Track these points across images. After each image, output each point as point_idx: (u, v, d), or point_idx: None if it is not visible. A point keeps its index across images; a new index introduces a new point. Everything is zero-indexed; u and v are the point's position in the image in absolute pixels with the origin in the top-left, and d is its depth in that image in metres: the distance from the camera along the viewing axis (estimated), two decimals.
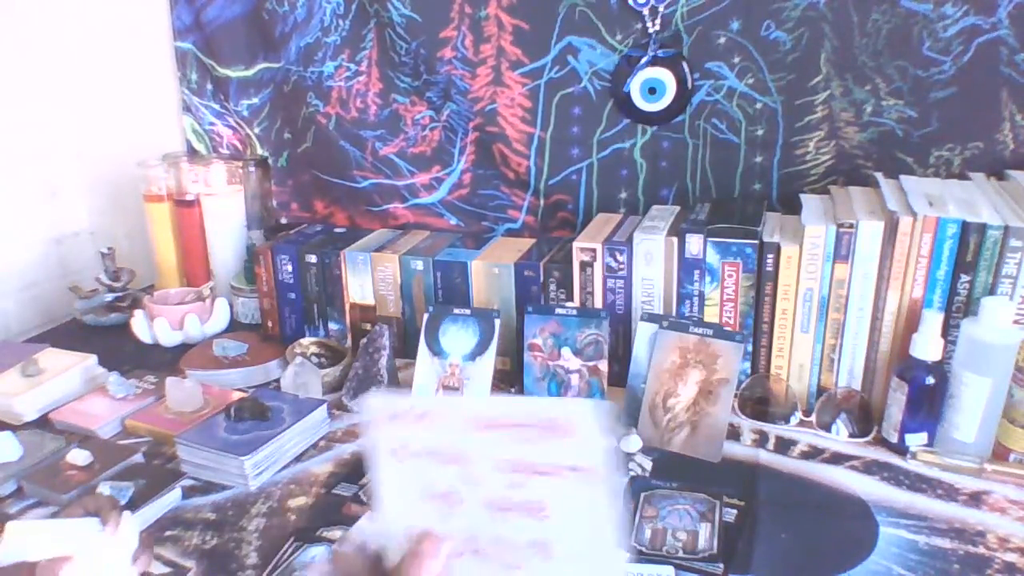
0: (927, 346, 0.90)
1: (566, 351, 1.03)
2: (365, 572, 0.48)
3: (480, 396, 0.53)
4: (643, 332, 1.02)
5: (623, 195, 1.26)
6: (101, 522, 0.65)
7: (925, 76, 1.08)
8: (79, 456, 0.92)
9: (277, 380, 1.14)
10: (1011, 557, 0.77)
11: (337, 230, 1.34)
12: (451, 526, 0.47)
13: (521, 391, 1.06)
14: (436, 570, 0.45)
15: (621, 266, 1.06)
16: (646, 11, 1.15)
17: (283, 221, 1.45)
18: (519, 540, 0.46)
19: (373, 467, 0.48)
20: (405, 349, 1.19)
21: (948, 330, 0.93)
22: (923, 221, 0.92)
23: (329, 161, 1.39)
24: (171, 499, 0.88)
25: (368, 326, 1.18)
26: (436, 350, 1.07)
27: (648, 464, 0.93)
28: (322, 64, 1.32)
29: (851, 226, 0.96)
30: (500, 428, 0.45)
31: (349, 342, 1.23)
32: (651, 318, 1.03)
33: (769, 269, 1.00)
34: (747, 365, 1.05)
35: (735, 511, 0.84)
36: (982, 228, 0.90)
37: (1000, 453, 0.90)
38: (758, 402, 1.03)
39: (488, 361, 1.05)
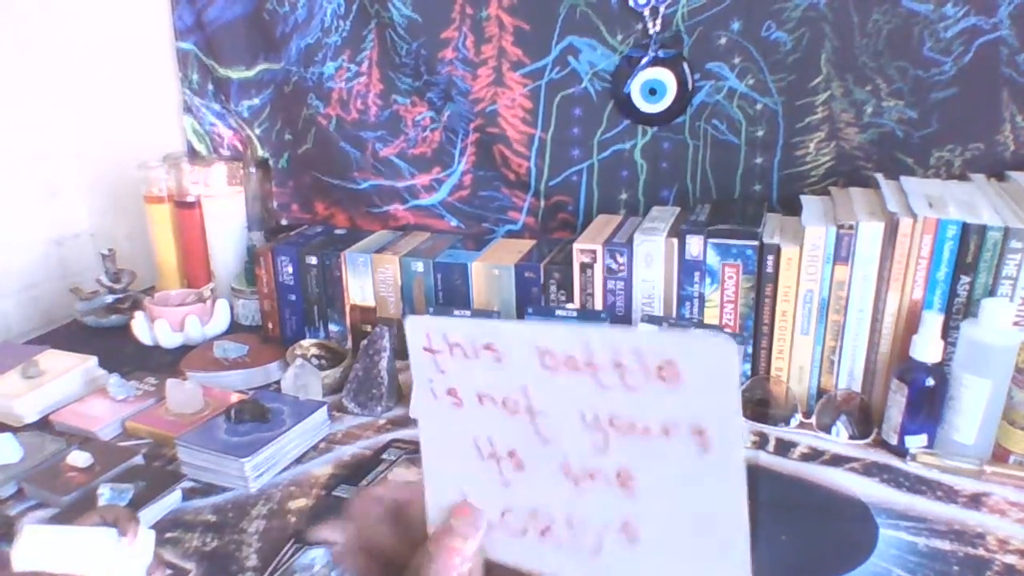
0: (927, 348, 0.90)
1: None
2: (382, 527, 0.41)
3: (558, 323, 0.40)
4: None
5: (623, 196, 1.26)
6: (119, 532, 0.64)
7: (926, 77, 1.08)
8: (79, 458, 0.92)
9: (277, 382, 1.14)
10: (1011, 559, 0.77)
11: (337, 231, 1.35)
12: (511, 496, 0.37)
13: None
14: (468, 552, 0.37)
15: (621, 267, 1.06)
16: (647, 12, 1.15)
17: (284, 222, 1.45)
18: (598, 518, 0.35)
19: (417, 408, 0.39)
20: (405, 351, 1.19)
21: (948, 332, 0.93)
22: (923, 222, 0.92)
23: (329, 162, 1.39)
24: (171, 501, 0.88)
25: (368, 328, 1.18)
26: None
27: None
28: (323, 65, 1.32)
29: (851, 227, 0.96)
30: (588, 368, 0.33)
31: (349, 344, 1.24)
32: (651, 320, 1.03)
33: (769, 271, 1.00)
34: (747, 367, 1.05)
35: None
36: (982, 229, 0.90)
37: (1000, 455, 0.90)
38: (758, 404, 1.03)
39: None
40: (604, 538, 0.35)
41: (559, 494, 0.35)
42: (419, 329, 0.38)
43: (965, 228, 0.91)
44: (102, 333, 1.35)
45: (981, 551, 0.78)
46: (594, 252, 1.07)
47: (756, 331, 1.03)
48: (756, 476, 0.91)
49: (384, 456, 0.96)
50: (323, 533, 0.41)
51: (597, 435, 0.34)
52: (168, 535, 0.83)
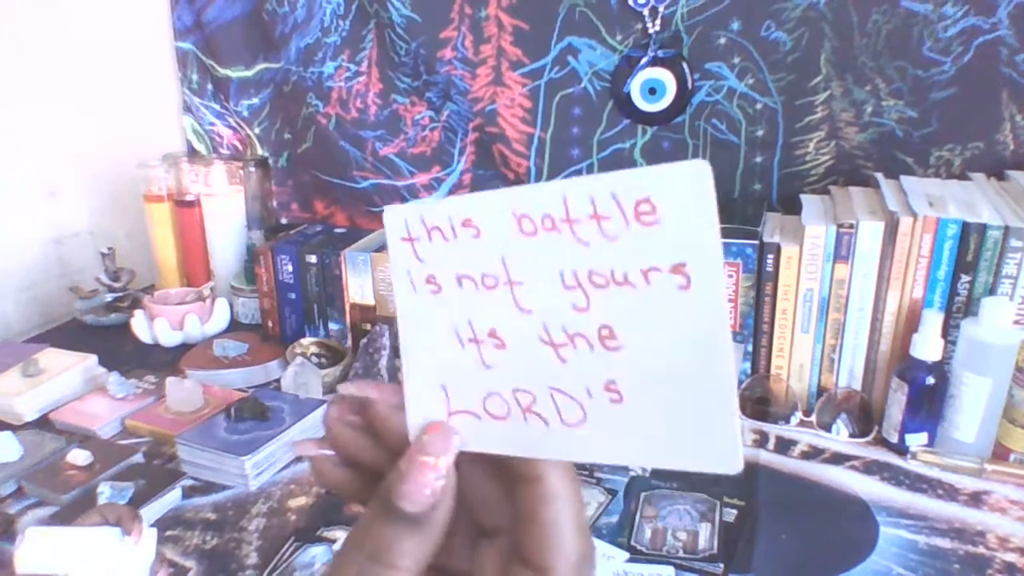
0: (927, 346, 0.90)
1: None
2: (359, 438, 0.39)
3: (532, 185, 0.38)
4: None
5: None
6: (123, 531, 0.64)
7: (925, 76, 1.08)
8: (79, 456, 0.92)
9: (277, 380, 1.14)
10: (1011, 557, 0.77)
11: (337, 230, 1.34)
12: (494, 378, 0.36)
13: None
14: (441, 469, 0.35)
15: None
16: (646, 11, 1.15)
17: (283, 221, 1.45)
18: (581, 384, 0.34)
19: (397, 307, 0.38)
20: None
21: (948, 330, 0.93)
22: (923, 221, 0.93)
23: (329, 161, 1.39)
24: (171, 499, 0.88)
25: (368, 326, 1.18)
26: None
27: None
28: (322, 64, 1.32)
29: (851, 226, 0.96)
30: (565, 224, 0.32)
31: (349, 342, 1.23)
32: None
33: (769, 269, 1.00)
34: (747, 365, 1.05)
35: (735, 511, 0.84)
36: (982, 228, 0.90)
37: (1000, 453, 0.90)
38: (758, 402, 1.03)
39: None
40: (588, 404, 0.33)
41: (541, 366, 0.34)
42: (397, 218, 0.36)
43: (965, 227, 0.91)
44: (102, 332, 1.35)
45: (981, 549, 0.78)
46: None
47: (756, 330, 1.03)
48: (757, 474, 0.91)
49: None
50: (302, 448, 0.39)
51: (577, 294, 0.33)
52: (168, 533, 0.83)
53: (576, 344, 0.33)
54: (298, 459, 0.95)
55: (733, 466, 0.30)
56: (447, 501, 0.35)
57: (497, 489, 0.37)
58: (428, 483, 0.34)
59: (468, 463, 0.36)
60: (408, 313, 0.37)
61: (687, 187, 0.30)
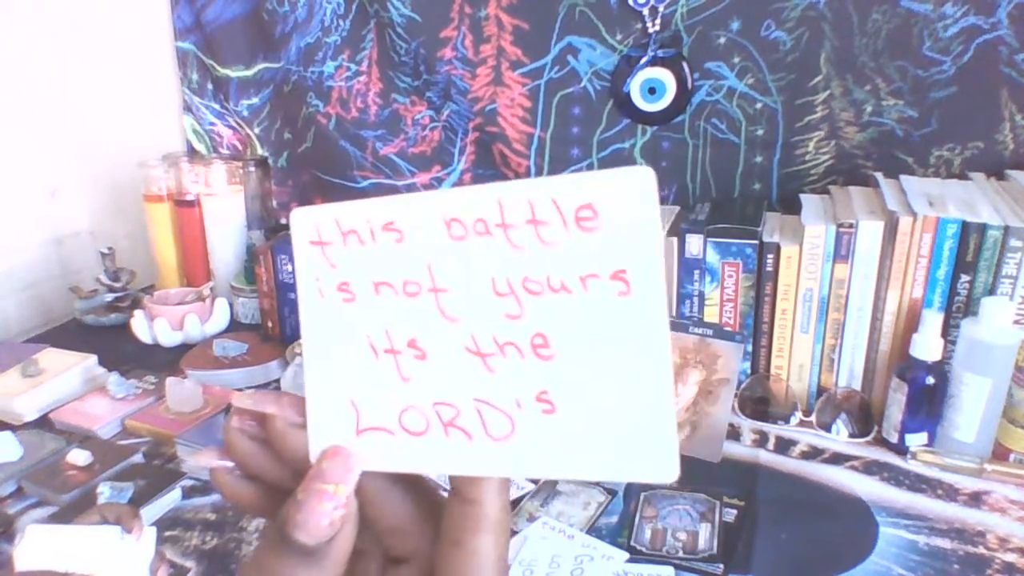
0: (927, 346, 0.90)
1: None
2: (257, 452, 0.36)
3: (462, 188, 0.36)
4: None
5: None
6: (123, 530, 0.64)
7: (925, 76, 1.08)
8: (79, 456, 0.92)
9: (277, 380, 1.14)
10: (1011, 557, 0.77)
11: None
12: (412, 391, 0.33)
13: None
14: (340, 498, 0.32)
15: None
16: (646, 11, 1.15)
17: (283, 221, 1.45)
18: (510, 395, 0.32)
19: (301, 315, 0.35)
20: None
21: (948, 330, 0.93)
22: (923, 221, 0.92)
23: (329, 161, 1.39)
24: (171, 499, 0.88)
25: None
26: None
27: None
28: (322, 64, 1.32)
29: (851, 226, 0.96)
30: (499, 229, 0.31)
31: None
32: None
33: (769, 269, 1.00)
34: (747, 365, 1.05)
35: (735, 511, 0.84)
36: (982, 228, 0.90)
37: (1000, 453, 0.90)
38: (758, 402, 1.03)
39: None
40: (516, 415, 0.32)
41: (467, 377, 0.32)
42: (307, 221, 0.34)
43: (965, 227, 0.91)
44: (102, 332, 1.35)
45: (981, 549, 0.78)
46: None
47: (756, 329, 1.03)
48: (756, 474, 0.91)
49: None
50: (202, 460, 0.36)
51: (509, 301, 0.31)
52: (168, 533, 0.83)
53: (506, 353, 0.31)
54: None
55: (669, 475, 0.29)
56: (347, 531, 0.33)
57: (412, 512, 0.34)
58: (325, 513, 0.32)
59: (380, 484, 0.34)
60: (314, 322, 0.34)
61: (632, 194, 0.29)
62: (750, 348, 1.04)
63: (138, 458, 0.96)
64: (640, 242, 0.29)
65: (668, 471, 0.30)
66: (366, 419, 0.34)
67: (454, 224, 0.32)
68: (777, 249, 1.00)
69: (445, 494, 0.35)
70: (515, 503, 0.85)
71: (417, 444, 0.33)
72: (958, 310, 0.94)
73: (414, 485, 0.35)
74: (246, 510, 0.37)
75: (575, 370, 0.31)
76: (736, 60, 1.14)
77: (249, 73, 1.40)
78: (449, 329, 0.32)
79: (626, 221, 0.29)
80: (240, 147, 1.48)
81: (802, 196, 1.10)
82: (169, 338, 1.26)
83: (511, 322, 0.31)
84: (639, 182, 0.29)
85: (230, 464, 0.36)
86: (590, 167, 1.25)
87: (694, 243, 1.02)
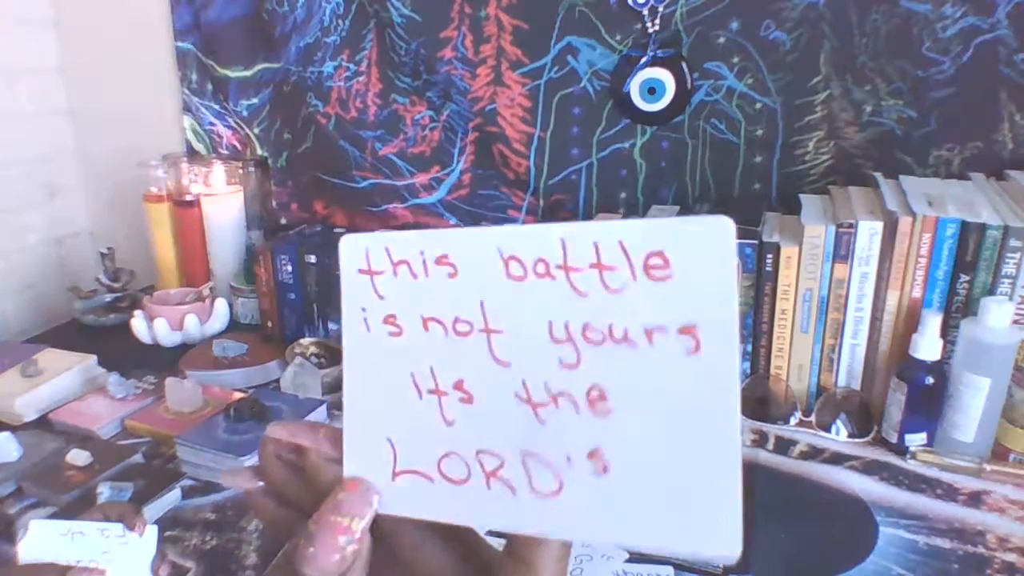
0: (927, 346, 0.90)
1: None
2: (289, 476, 0.35)
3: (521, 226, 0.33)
4: None
5: (623, 195, 1.26)
6: (126, 526, 0.64)
7: (924, 76, 1.08)
8: (79, 456, 0.92)
9: (277, 380, 1.14)
10: (1010, 557, 0.77)
11: (337, 230, 1.34)
12: (455, 436, 0.31)
13: None
14: (355, 532, 0.31)
15: None
16: (646, 11, 1.15)
17: (283, 221, 1.45)
18: (561, 449, 0.29)
19: (344, 346, 0.34)
20: None
21: (947, 330, 0.93)
22: (922, 221, 0.93)
23: (329, 161, 1.39)
24: (171, 499, 0.88)
25: None
26: None
27: None
28: (322, 64, 1.32)
29: (850, 226, 0.96)
30: (561, 271, 0.29)
31: None
32: None
33: (768, 269, 1.00)
34: (747, 365, 1.05)
35: None
36: (981, 228, 0.90)
37: (1000, 453, 0.90)
38: (758, 402, 1.04)
39: None
40: (566, 472, 0.29)
41: (514, 426, 0.30)
42: (356, 248, 0.32)
43: (964, 227, 0.91)
44: (101, 332, 1.35)
45: (981, 549, 0.78)
46: None
47: (755, 329, 1.03)
48: (756, 475, 0.91)
49: None
50: (235, 481, 0.36)
51: (566, 348, 0.29)
52: (168, 533, 0.83)
53: (559, 404, 0.29)
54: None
55: (733, 551, 0.28)
56: (358, 568, 0.31)
57: (453, 565, 0.33)
58: (338, 548, 0.30)
59: (420, 530, 0.33)
60: (357, 354, 0.33)
61: (707, 243, 0.27)
62: (749, 348, 1.04)
63: (138, 458, 0.95)
64: (714, 297, 0.27)
65: (730, 547, 0.28)
66: (404, 461, 0.32)
67: (512, 262, 0.30)
68: (777, 249, 1.00)
69: (494, 549, 0.33)
70: None
71: (456, 493, 0.31)
72: (957, 310, 0.94)
73: (460, 535, 0.33)
74: (277, 531, 0.36)
75: (634, 429, 0.28)
76: (736, 60, 1.14)
77: (248, 73, 1.40)
78: (499, 373, 0.30)
79: (700, 273, 0.27)
80: (240, 147, 1.48)
81: (802, 196, 1.10)
82: (169, 338, 1.26)
83: (567, 371, 0.29)
84: (717, 232, 0.27)
85: (262, 485, 0.36)
86: (590, 167, 1.25)
87: None
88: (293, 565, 0.31)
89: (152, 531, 0.65)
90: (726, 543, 0.28)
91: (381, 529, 0.32)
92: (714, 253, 0.27)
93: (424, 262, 0.31)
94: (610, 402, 0.29)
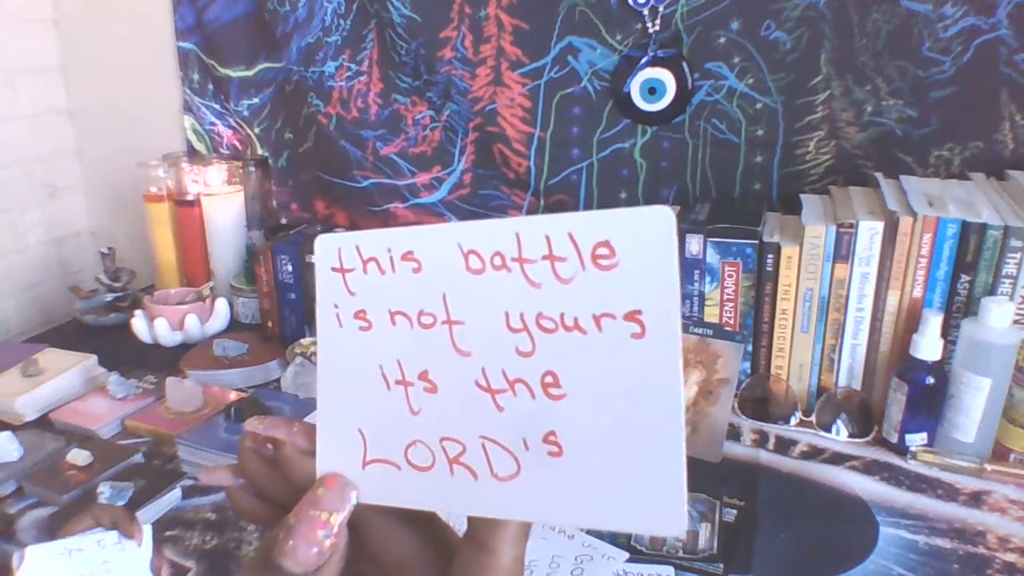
0: (927, 346, 0.90)
1: None
2: (265, 470, 0.36)
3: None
4: None
5: (623, 195, 1.26)
6: (122, 534, 0.63)
7: (925, 76, 1.08)
8: (79, 456, 0.92)
9: (277, 380, 1.14)
10: (1011, 557, 0.77)
11: (337, 230, 1.34)
12: (420, 425, 0.33)
13: None
14: (333, 526, 0.32)
15: None
16: (646, 11, 1.15)
17: (283, 221, 1.45)
18: (517, 434, 0.31)
19: (319, 342, 0.35)
20: None
21: (948, 330, 0.93)
22: (923, 221, 0.93)
23: (330, 161, 1.39)
24: (171, 499, 0.88)
25: None
26: None
27: None
28: (323, 64, 1.32)
29: (851, 226, 0.96)
30: (517, 264, 0.30)
31: None
32: None
33: (769, 269, 1.00)
34: (747, 365, 1.05)
35: (735, 511, 0.84)
36: (982, 228, 0.90)
37: (1000, 453, 0.90)
38: (758, 402, 1.03)
39: None
40: (523, 456, 0.31)
41: (475, 413, 0.31)
42: (330, 247, 0.34)
43: (965, 227, 0.91)
44: (102, 332, 1.35)
45: (981, 549, 0.78)
46: None
47: (756, 329, 1.03)
48: (756, 474, 0.91)
49: None
50: (213, 477, 0.37)
51: (522, 337, 0.30)
52: (168, 533, 0.83)
53: (516, 391, 0.31)
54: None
55: (677, 529, 0.29)
56: (335, 562, 0.32)
57: (419, 550, 0.34)
58: (316, 541, 0.31)
59: (387, 519, 0.34)
60: (330, 349, 0.34)
61: (650, 233, 0.28)
62: (750, 348, 1.04)
63: (138, 458, 0.95)
64: (657, 283, 0.28)
65: (675, 524, 0.29)
66: (373, 451, 0.34)
67: (472, 256, 0.31)
68: (777, 249, 1.00)
69: (456, 535, 0.34)
70: None
71: (422, 480, 0.32)
72: (958, 310, 0.94)
73: (424, 523, 0.34)
74: (258, 524, 0.37)
75: (584, 413, 0.30)
76: (736, 60, 1.14)
77: (250, 73, 1.40)
78: (461, 363, 0.32)
79: (643, 261, 0.29)
80: (240, 147, 1.48)
81: (802, 196, 1.10)
82: (169, 338, 1.26)
83: (523, 359, 0.30)
84: (658, 221, 0.28)
85: (241, 481, 0.37)
86: (590, 167, 1.25)
87: (694, 243, 1.03)
88: (271, 558, 0.31)
89: (148, 531, 0.65)
90: (672, 521, 0.29)
91: (350, 520, 0.33)
92: (656, 242, 0.28)
93: (391, 258, 0.33)
94: (563, 388, 0.30)
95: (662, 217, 0.28)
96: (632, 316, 0.29)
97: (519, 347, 0.31)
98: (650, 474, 0.29)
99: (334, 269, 0.34)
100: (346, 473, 0.33)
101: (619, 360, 0.29)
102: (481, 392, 0.31)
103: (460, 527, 0.34)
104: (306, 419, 0.40)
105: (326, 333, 0.34)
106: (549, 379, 0.30)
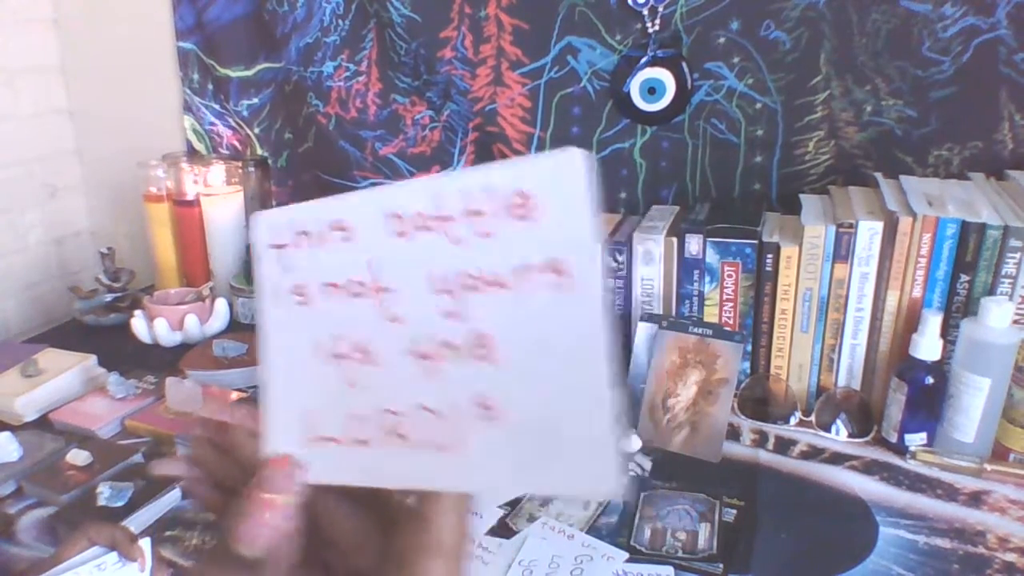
0: (927, 346, 0.90)
1: None
2: (217, 457, 0.36)
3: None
4: (643, 332, 1.02)
5: (623, 195, 1.26)
6: (122, 556, 0.62)
7: (924, 76, 1.08)
8: (79, 456, 0.92)
9: None
10: (1011, 557, 0.77)
11: None
12: (357, 397, 0.32)
13: None
14: (285, 508, 0.32)
15: (621, 266, 1.06)
16: (646, 11, 1.15)
17: None
18: (451, 400, 0.30)
19: (259, 321, 0.34)
20: None
21: (948, 330, 0.93)
22: (922, 221, 0.93)
23: (329, 161, 1.39)
24: (171, 499, 0.88)
25: None
26: None
27: (648, 464, 0.93)
28: (322, 64, 1.32)
29: (851, 226, 0.96)
30: (438, 223, 0.29)
31: None
32: (651, 318, 1.03)
33: (768, 269, 1.00)
34: (747, 365, 1.05)
35: (735, 511, 0.84)
36: (981, 228, 0.90)
37: (1000, 453, 0.90)
38: (758, 402, 1.03)
39: None
40: (459, 424, 0.30)
41: (410, 382, 0.30)
42: (265, 225, 0.33)
43: (964, 227, 0.91)
44: (101, 332, 1.35)
45: (981, 549, 0.78)
46: None
47: (755, 329, 1.03)
48: (756, 474, 0.91)
49: None
50: (165, 468, 0.38)
51: (448, 299, 0.29)
52: (168, 533, 0.83)
53: (447, 356, 0.29)
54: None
55: (611, 491, 0.27)
56: (289, 543, 0.32)
57: (369, 528, 0.33)
58: (267, 523, 0.31)
59: (333, 498, 0.33)
60: (271, 328, 0.33)
61: (563, 178, 0.27)
62: (750, 348, 1.04)
63: (138, 458, 0.95)
64: (574, 229, 0.27)
65: (607, 487, 0.27)
66: (315, 428, 0.33)
67: (394, 219, 0.30)
68: (777, 249, 1.00)
69: (401, 504, 0.33)
70: (515, 503, 0.85)
71: (363, 455, 0.32)
72: (958, 310, 0.94)
73: (374, 500, 0.33)
74: (217, 513, 0.36)
75: (515, 374, 0.29)
76: (736, 60, 1.14)
77: (250, 73, 1.40)
78: (392, 331, 0.31)
79: (560, 209, 0.27)
80: (240, 147, 1.48)
81: (802, 196, 1.09)
82: (169, 338, 1.26)
83: (451, 322, 0.29)
84: (568, 165, 0.27)
85: (196, 471, 0.36)
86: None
87: (694, 243, 1.03)
88: (225, 544, 0.31)
89: (146, 545, 0.64)
90: (605, 483, 0.28)
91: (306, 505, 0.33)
92: (569, 187, 0.27)
93: (321, 230, 0.32)
94: (492, 348, 0.29)
95: (574, 160, 0.27)
96: (553, 266, 0.27)
97: (448, 309, 0.29)
98: (580, 435, 0.28)
99: (271, 246, 0.33)
100: (292, 452, 0.33)
101: (544, 315, 0.28)
102: (415, 360, 0.30)
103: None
104: None
105: (266, 312, 0.34)
106: (478, 341, 0.29)
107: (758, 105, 1.16)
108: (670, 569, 0.75)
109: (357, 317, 0.31)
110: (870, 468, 0.92)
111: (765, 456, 0.94)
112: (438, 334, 0.30)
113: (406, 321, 0.31)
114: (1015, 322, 0.90)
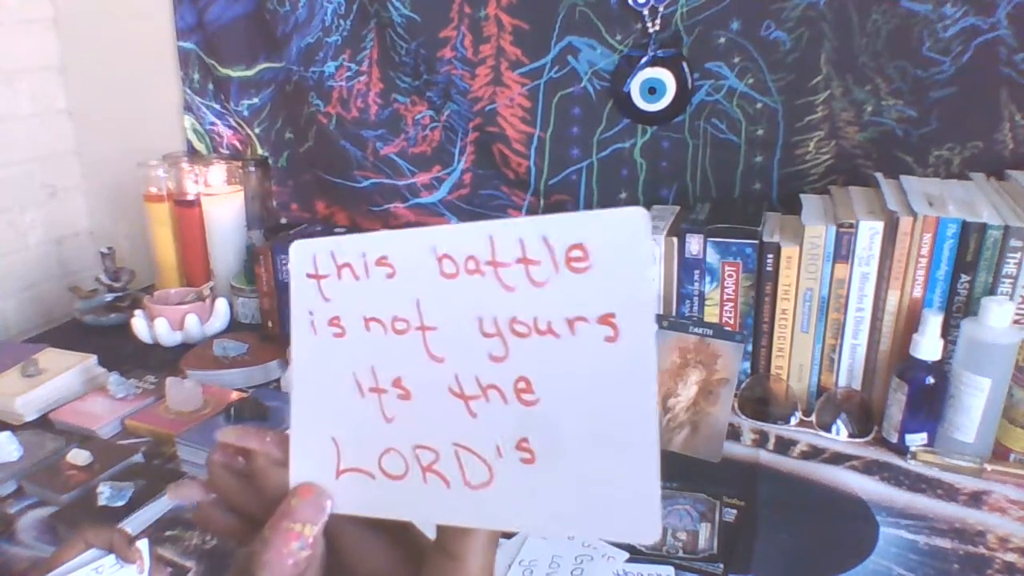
0: (927, 346, 0.90)
1: None
2: (237, 484, 0.35)
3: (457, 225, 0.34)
4: None
5: (623, 195, 1.26)
6: (121, 559, 0.62)
7: (925, 76, 1.08)
8: (79, 456, 0.92)
9: (277, 380, 1.14)
10: (1011, 557, 0.77)
11: (337, 230, 1.34)
12: (394, 432, 0.32)
13: None
14: (308, 538, 0.31)
15: None
16: (646, 11, 1.15)
17: (283, 221, 1.45)
18: (490, 441, 0.30)
19: (293, 349, 0.35)
20: None
21: (948, 330, 0.93)
22: (923, 221, 0.93)
23: (330, 161, 1.39)
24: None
25: None
26: None
27: None
28: (323, 64, 1.32)
29: (851, 226, 0.96)
30: (490, 267, 0.30)
31: None
32: None
33: (769, 269, 1.00)
34: (747, 365, 1.05)
35: (735, 511, 0.84)
36: (982, 228, 0.90)
37: (1000, 453, 0.90)
38: (758, 402, 1.03)
39: None
40: (496, 463, 0.30)
41: (448, 420, 0.31)
42: (305, 253, 0.34)
43: (965, 227, 0.91)
44: (102, 332, 1.35)
45: (981, 549, 0.78)
46: None
47: (756, 329, 1.03)
48: (756, 474, 0.91)
49: None
50: (182, 492, 0.36)
51: (495, 342, 0.30)
52: (168, 533, 0.83)
53: (489, 397, 0.30)
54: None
55: (651, 536, 0.28)
56: (312, 573, 0.32)
57: (393, 561, 0.33)
58: (292, 553, 0.31)
59: (360, 529, 0.33)
60: (305, 357, 0.34)
61: (623, 235, 0.28)
62: (750, 348, 1.04)
63: (138, 458, 0.96)
64: (630, 286, 0.28)
65: (649, 532, 0.28)
66: (347, 460, 0.33)
67: (445, 261, 0.31)
68: (777, 249, 1.00)
69: (428, 540, 0.33)
70: None
71: (396, 489, 0.32)
72: (958, 310, 0.94)
73: (398, 532, 0.33)
74: (232, 540, 0.36)
75: (557, 419, 0.29)
76: (736, 60, 1.14)
77: (250, 73, 1.40)
78: (434, 369, 0.31)
79: (617, 263, 0.28)
80: (240, 147, 1.48)
81: (802, 196, 1.10)
82: (169, 338, 1.26)
83: (496, 364, 0.30)
84: (631, 223, 0.28)
85: (213, 497, 0.36)
86: (590, 167, 1.25)
87: (694, 243, 1.03)
88: (247, 572, 0.31)
89: (144, 546, 0.64)
90: (646, 529, 0.28)
91: (325, 531, 0.33)
92: (629, 244, 0.28)
93: (365, 264, 0.32)
94: (536, 393, 0.30)
95: (636, 219, 0.28)
96: (605, 319, 0.28)
97: (492, 352, 0.30)
98: (624, 482, 0.28)
99: (309, 275, 0.34)
100: (320, 483, 0.33)
101: (592, 365, 0.29)
102: (454, 399, 0.31)
103: (432, 535, 0.34)
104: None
105: (300, 340, 0.34)
106: (522, 384, 0.30)
107: (758, 105, 1.16)
108: (670, 569, 0.75)
109: (399, 353, 0.32)
110: (870, 468, 0.92)
111: (765, 456, 0.94)
112: (482, 375, 0.30)
113: (449, 360, 0.31)
114: (1015, 322, 0.90)
